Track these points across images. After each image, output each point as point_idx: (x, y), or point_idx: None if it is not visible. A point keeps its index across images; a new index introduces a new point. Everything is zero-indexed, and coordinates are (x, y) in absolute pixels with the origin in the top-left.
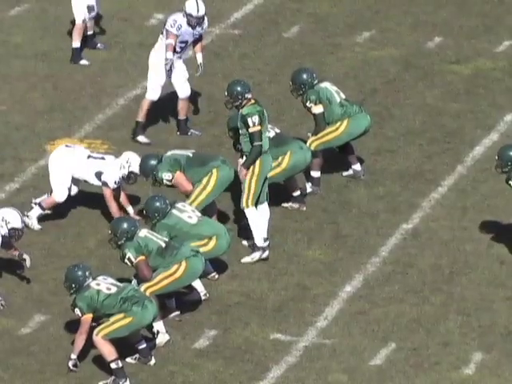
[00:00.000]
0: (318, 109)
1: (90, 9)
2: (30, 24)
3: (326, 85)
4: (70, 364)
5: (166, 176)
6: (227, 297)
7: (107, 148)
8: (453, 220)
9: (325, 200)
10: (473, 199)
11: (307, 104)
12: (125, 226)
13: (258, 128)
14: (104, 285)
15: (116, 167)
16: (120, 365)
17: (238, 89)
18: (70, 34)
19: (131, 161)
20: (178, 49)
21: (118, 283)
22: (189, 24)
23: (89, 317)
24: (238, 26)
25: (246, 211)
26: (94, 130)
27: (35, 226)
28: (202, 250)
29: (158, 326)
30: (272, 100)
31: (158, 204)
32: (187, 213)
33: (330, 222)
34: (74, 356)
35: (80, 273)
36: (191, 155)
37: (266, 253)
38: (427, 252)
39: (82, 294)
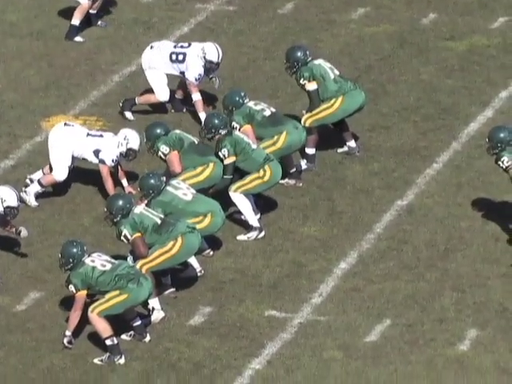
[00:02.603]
0: (311, 86)
1: None
2: (25, 2)
3: (319, 61)
4: (65, 341)
5: (163, 149)
6: (222, 274)
7: (102, 125)
8: (448, 196)
9: (320, 177)
10: (467, 175)
11: (301, 81)
12: (120, 203)
13: (232, 159)
14: (99, 261)
15: (114, 145)
16: (115, 341)
17: (215, 122)
18: (65, 11)
19: (129, 138)
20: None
21: (113, 260)
22: (205, 69)
23: (83, 293)
24: (233, 2)
25: (233, 195)
26: (89, 107)
27: (32, 202)
28: (197, 227)
29: (154, 302)
30: (267, 77)
31: (152, 181)
32: (182, 190)
33: (325, 198)
34: (68, 333)
35: (76, 249)
36: (196, 142)
37: (263, 233)
38: (422, 228)
39: (77, 270)
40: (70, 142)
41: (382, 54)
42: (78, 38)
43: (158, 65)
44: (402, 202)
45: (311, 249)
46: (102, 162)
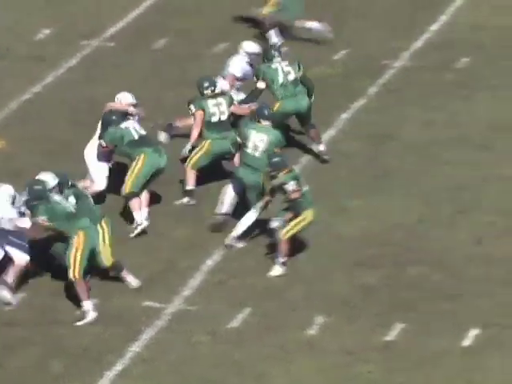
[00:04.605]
0: (260, 84)
1: None
2: None
3: (277, 66)
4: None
5: (103, 143)
6: (106, 270)
7: (2, 144)
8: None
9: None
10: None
11: (254, 78)
12: (36, 188)
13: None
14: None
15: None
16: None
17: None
18: None
19: (120, 97)
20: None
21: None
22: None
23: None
24: (114, 39)
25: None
26: None
27: None
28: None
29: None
30: (143, 101)
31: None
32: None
33: (193, 206)
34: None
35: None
36: (137, 137)
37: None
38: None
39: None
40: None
41: None
42: None
43: None
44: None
45: (183, 248)
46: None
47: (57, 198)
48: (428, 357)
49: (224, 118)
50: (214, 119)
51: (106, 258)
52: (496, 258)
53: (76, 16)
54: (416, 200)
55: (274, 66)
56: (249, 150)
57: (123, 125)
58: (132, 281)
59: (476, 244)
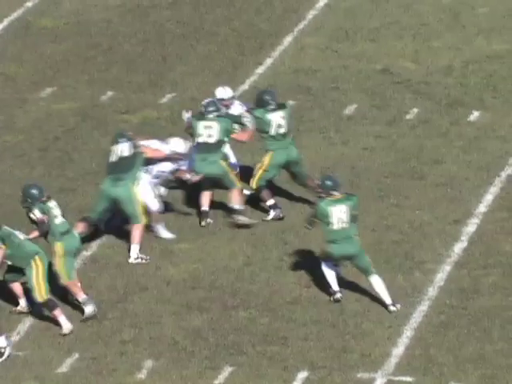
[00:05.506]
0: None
1: None
2: None
3: (273, 116)
4: None
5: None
6: None
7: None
8: (124, 247)
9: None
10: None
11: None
12: None
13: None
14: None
15: None
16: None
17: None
18: None
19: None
20: None
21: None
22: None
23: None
24: None
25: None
26: None
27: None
28: None
29: None
30: None
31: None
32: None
33: None
34: None
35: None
36: (114, 160)
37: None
38: (104, 275)
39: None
40: None
41: (68, 127)
42: None
43: None
44: (86, 252)
45: (11, 293)
46: None
47: None
48: None
49: (211, 141)
50: (200, 140)
51: (38, 294)
52: (324, 300)
53: None
54: (243, 243)
55: (270, 116)
56: (335, 227)
57: (112, 147)
58: (65, 324)
59: (304, 287)
